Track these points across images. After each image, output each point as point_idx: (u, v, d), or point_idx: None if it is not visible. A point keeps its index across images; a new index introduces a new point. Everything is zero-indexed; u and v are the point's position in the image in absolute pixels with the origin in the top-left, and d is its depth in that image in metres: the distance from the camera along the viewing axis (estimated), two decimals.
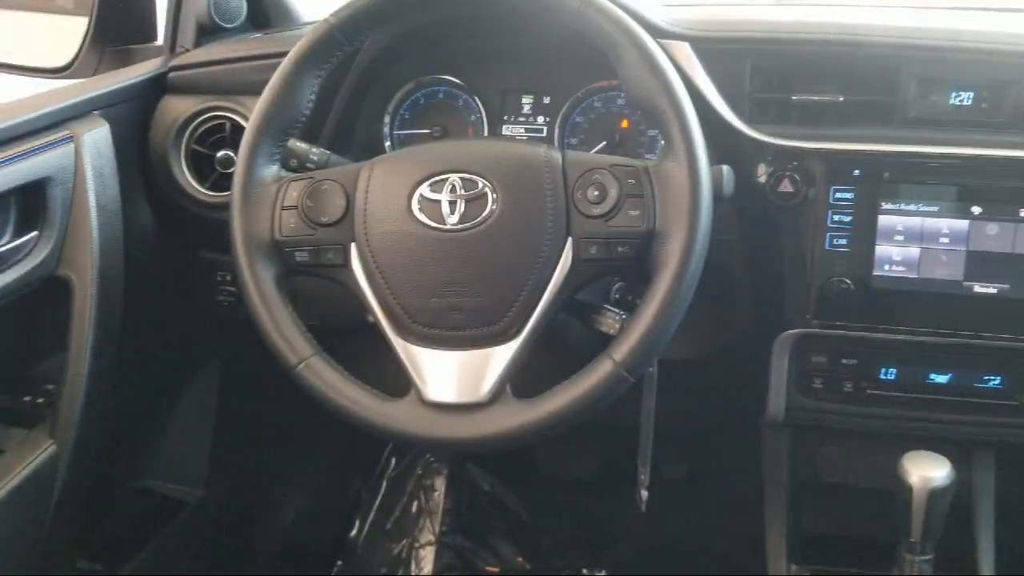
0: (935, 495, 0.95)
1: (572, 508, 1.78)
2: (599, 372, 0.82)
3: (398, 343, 0.87)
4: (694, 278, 0.82)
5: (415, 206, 0.87)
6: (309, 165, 0.99)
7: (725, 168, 0.88)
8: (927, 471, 0.96)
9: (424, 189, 0.87)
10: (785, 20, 1.12)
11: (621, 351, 0.82)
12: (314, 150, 1.00)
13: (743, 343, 1.13)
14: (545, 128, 1.17)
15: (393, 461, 1.80)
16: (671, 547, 1.68)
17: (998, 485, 1.16)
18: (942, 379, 1.05)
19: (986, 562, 1.13)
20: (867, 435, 1.17)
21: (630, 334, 0.82)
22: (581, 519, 1.77)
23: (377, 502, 1.76)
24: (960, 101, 1.01)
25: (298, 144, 0.99)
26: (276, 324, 0.88)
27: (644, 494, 1.10)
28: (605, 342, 0.85)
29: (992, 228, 0.98)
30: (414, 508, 1.74)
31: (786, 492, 1.22)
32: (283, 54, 0.93)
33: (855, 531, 1.24)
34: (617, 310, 0.91)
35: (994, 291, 0.99)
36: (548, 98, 1.17)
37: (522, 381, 0.86)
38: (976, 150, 0.97)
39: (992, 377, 1.04)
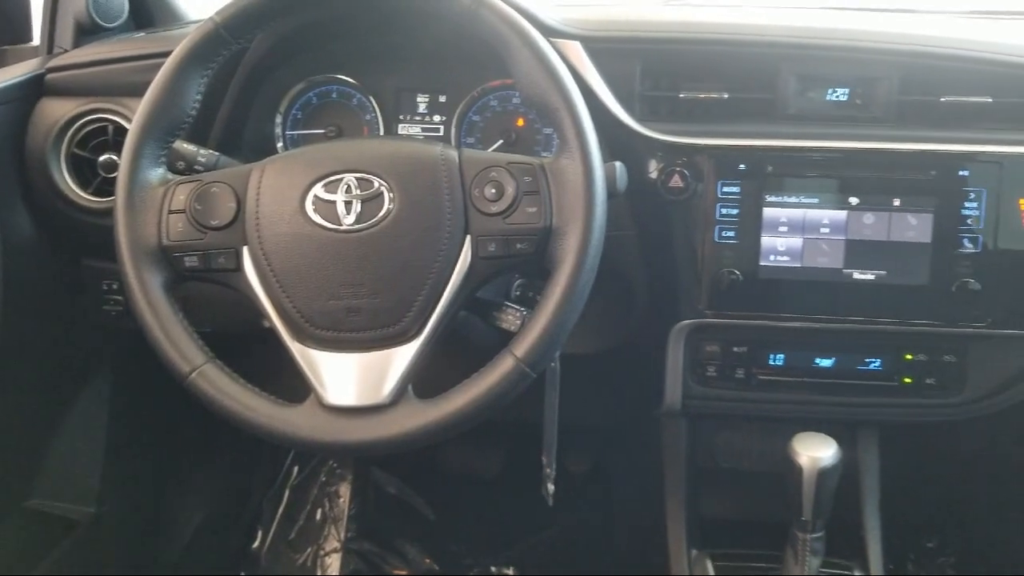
0: (823, 474, 1.00)
1: (479, 506, 1.79)
2: (501, 369, 0.83)
3: (295, 347, 0.86)
4: (591, 273, 0.84)
5: (309, 207, 0.85)
6: (197, 167, 0.96)
7: (618, 164, 0.90)
8: (815, 452, 1.00)
9: (318, 189, 0.86)
10: (673, 20, 1.15)
11: (522, 347, 0.83)
12: (202, 151, 0.98)
13: (640, 335, 1.16)
14: (442, 127, 1.17)
15: (296, 469, 1.78)
16: (577, 540, 1.70)
17: (882, 462, 1.23)
18: (827, 363, 1.10)
19: (872, 536, 1.19)
20: (759, 420, 1.22)
21: (531, 330, 0.83)
22: (488, 517, 1.77)
23: (280, 511, 1.73)
24: (836, 97, 1.06)
25: (185, 146, 0.96)
26: (166, 332, 0.85)
27: (551, 488, 1.11)
28: (507, 339, 0.86)
29: (868, 218, 1.03)
30: (318, 516, 1.72)
31: (685, 479, 1.26)
32: (167, 53, 0.90)
33: (751, 513, 1.29)
34: (518, 306, 0.92)
35: (872, 277, 1.04)
36: (444, 97, 1.17)
37: (424, 381, 0.86)
38: (851, 143, 1.02)
39: (873, 360, 1.09)
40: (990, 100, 1.02)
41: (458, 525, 1.75)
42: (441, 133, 1.17)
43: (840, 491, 1.05)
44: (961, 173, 1.01)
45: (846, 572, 1.17)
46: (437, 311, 0.85)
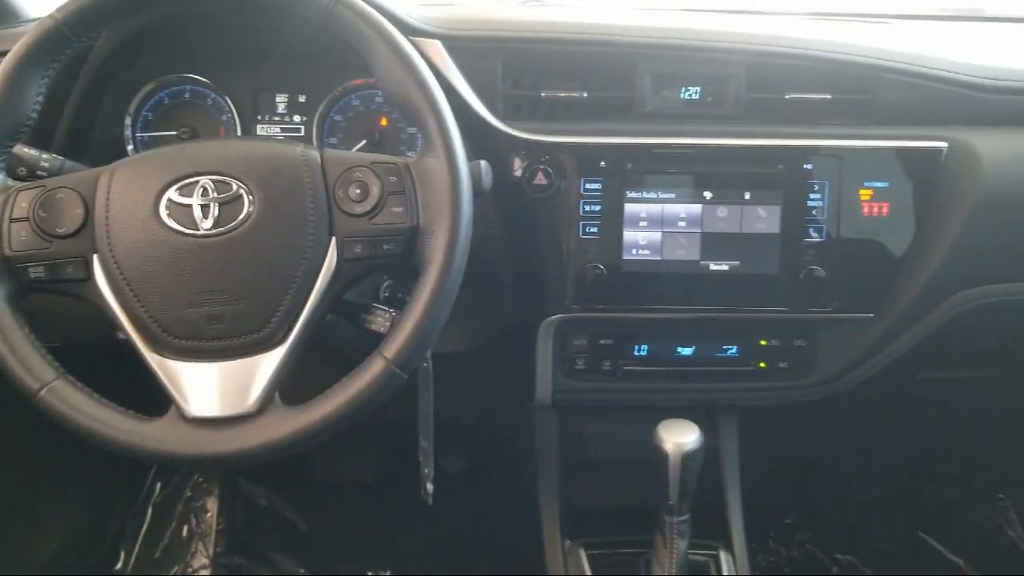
0: (687, 459, 1.04)
1: (355, 512, 1.76)
2: (371, 371, 0.82)
3: (153, 359, 0.82)
4: (459, 271, 0.84)
5: (163, 212, 0.82)
6: (40, 173, 0.91)
7: (483, 163, 0.90)
8: (679, 437, 1.04)
9: (172, 193, 0.82)
10: (532, 20, 1.17)
11: (392, 348, 0.82)
12: (45, 156, 0.92)
13: (510, 332, 1.17)
14: (303, 127, 1.15)
15: (158, 485, 1.70)
16: (456, 538, 1.71)
17: (741, 444, 1.29)
18: (688, 351, 1.15)
19: (735, 515, 1.25)
20: (627, 409, 1.25)
21: (400, 331, 0.83)
22: (365, 522, 1.75)
23: (143, 530, 1.66)
24: (689, 95, 1.10)
25: (26, 150, 0.91)
26: (11, 348, 0.80)
27: (429, 488, 1.11)
28: (376, 341, 0.85)
29: (722, 211, 1.07)
30: (185, 532, 1.66)
31: (556, 472, 1.28)
32: (3, 53, 0.85)
33: (622, 501, 1.32)
34: (386, 308, 0.91)
35: (726, 268, 1.09)
36: (304, 97, 1.15)
37: (293, 387, 0.84)
38: (704, 140, 1.07)
39: (730, 347, 1.15)
40: (829, 97, 1.08)
41: (333, 532, 1.72)
42: (302, 134, 1.15)
43: (704, 474, 1.09)
44: (805, 166, 1.07)
45: (711, 552, 1.22)
46: (303, 315, 0.83)
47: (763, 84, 1.08)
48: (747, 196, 1.07)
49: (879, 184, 1.07)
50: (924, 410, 1.61)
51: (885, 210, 1.07)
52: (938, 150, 1.07)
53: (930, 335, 1.13)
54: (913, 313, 1.11)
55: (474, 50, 1.07)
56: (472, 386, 1.36)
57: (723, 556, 1.22)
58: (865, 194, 1.07)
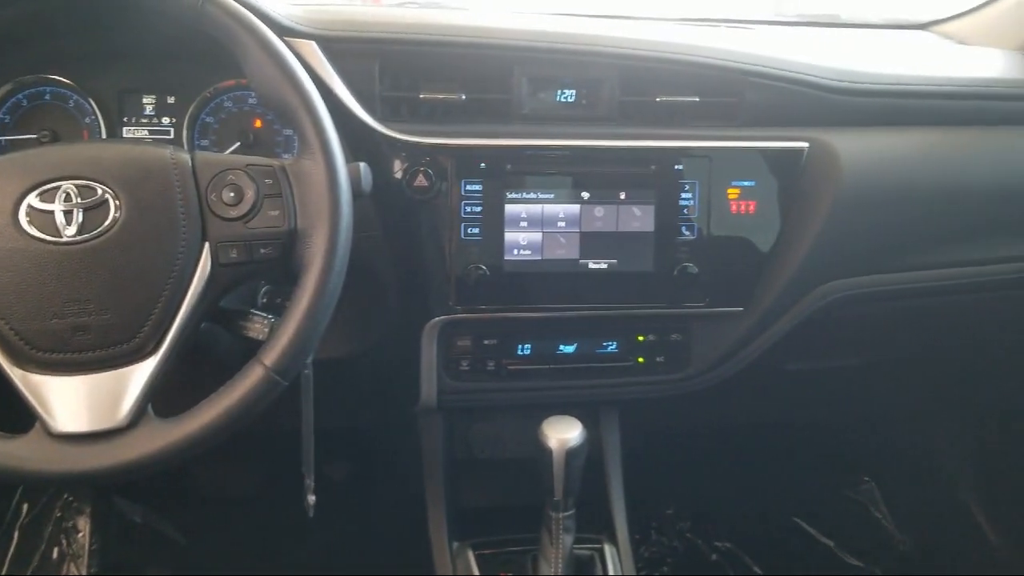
0: (571, 454, 1.05)
1: (236, 526, 1.71)
2: (250, 379, 0.80)
3: (15, 373, 0.78)
4: (340, 275, 0.83)
5: (23, 219, 0.78)
6: None
7: (362, 165, 0.89)
8: (563, 434, 1.06)
9: (32, 199, 0.78)
10: (410, 21, 1.16)
11: (271, 355, 0.80)
12: None
13: (394, 335, 1.17)
14: (172, 130, 1.11)
15: (25, 507, 1.61)
16: (342, 548, 1.68)
17: (623, 438, 1.32)
18: (569, 349, 1.17)
19: (618, 508, 1.27)
20: (512, 408, 1.26)
21: (280, 337, 0.81)
22: (246, 536, 1.70)
23: (10, 554, 1.56)
24: (565, 98, 1.12)
25: None
26: None
27: (311, 499, 1.09)
28: (255, 349, 0.83)
29: (599, 211, 1.10)
30: (55, 555, 1.57)
31: (443, 473, 1.28)
32: None
33: (509, 499, 1.34)
34: (265, 314, 0.89)
35: (605, 266, 1.11)
36: (173, 98, 1.11)
37: (168, 399, 0.81)
38: (580, 141, 1.09)
39: (610, 343, 1.17)
40: (698, 99, 1.12)
41: (214, 548, 1.67)
42: (171, 136, 1.11)
43: (588, 469, 1.12)
44: (676, 167, 1.10)
45: (596, 546, 1.24)
46: (176, 324, 0.80)
47: (635, 87, 1.11)
48: (623, 196, 1.10)
49: (746, 183, 1.12)
50: (793, 399, 1.68)
51: (752, 208, 1.12)
52: (800, 150, 1.12)
53: (796, 327, 1.18)
54: (780, 306, 1.17)
55: (350, 51, 1.05)
56: (356, 392, 1.34)
57: (608, 549, 1.24)
58: (733, 193, 1.12)
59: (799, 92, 1.13)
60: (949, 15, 1.68)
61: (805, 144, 1.12)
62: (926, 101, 1.18)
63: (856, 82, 1.15)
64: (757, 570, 1.83)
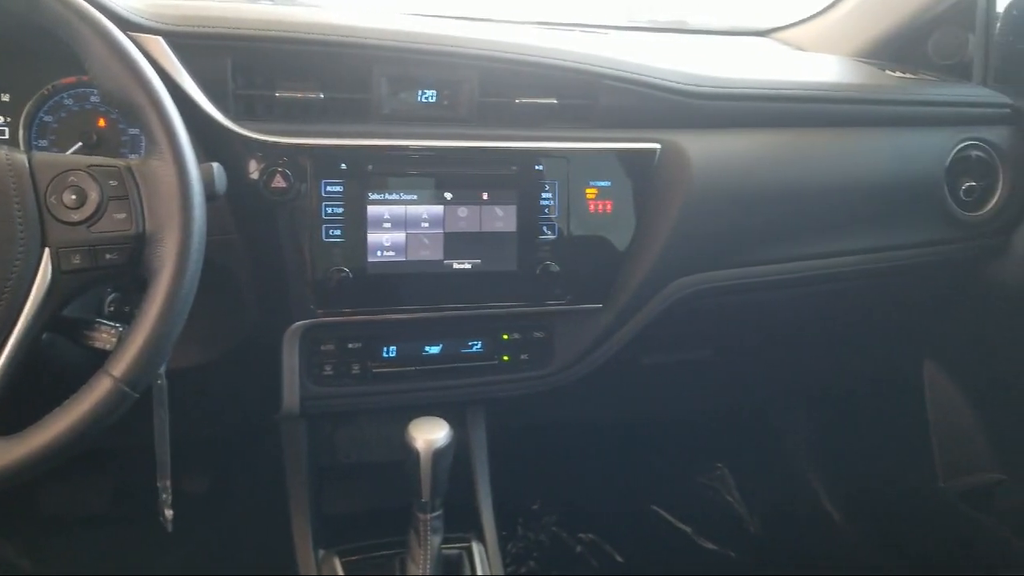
0: (438, 455, 1.06)
1: (88, 546, 1.62)
2: (97, 392, 0.76)
3: None
4: (193, 280, 0.80)
5: None
6: None
7: (215, 165, 0.86)
8: (429, 435, 1.06)
9: None
10: (264, 18, 1.13)
11: (120, 366, 0.76)
12: None
13: (253, 341, 1.13)
14: (7, 129, 1.04)
15: None
16: (203, 563, 1.62)
17: (489, 437, 1.33)
18: (435, 350, 1.17)
19: (485, 506, 1.28)
20: (379, 412, 1.25)
21: (128, 346, 0.77)
22: (99, 556, 1.61)
23: None
24: (426, 99, 1.11)
25: None
26: None
27: (168, 513, 1.04)
28: (102, 359, 0.79)
29: (462, 211, 1.10)
30: None
31: (307, 481, 1.25)
32: None
33: (376, 504, 1.32)
34: (112, 323, 0.85)
35: (469, 266, 1.12)
36: (7, 96, 1.03)
37: (9, 414, 0.76)
38: (442, 142, 1.09)
39: (475, 342, 1.18)
40: (556, 102, 1.14)
41: (63, 571, 1.57)
42: (7, 136, 1.04)
43: (455, 469, 1.12)
44: (537, 167, 1.12)
45: (464, 545, 1.25)
46: (14, 335, 0.75)
47: (495, 89, 1.12)
48: (485, 196, 1.11)
49: (603, 183, 1.15)
50: (650, 392, 1.74)
51: (609, 207, 1.16)
52: (652, 151, 1.16)
53: (651, 321, 1.23)
54: (636, 302, 1.21)
55: (201, 47, 1.01)
56: (214, 400, 1.29)
57: (476, 548, 1.25)
58: (591, 193, 1.15)
59: (651, 95, 1.17)
60: (788, 23, 1.78)
61: (657, 145, 1.16)
62: (769, 104, 1.25)
63: (704, 86, 1.20)
64: (619, 558, 1.88)
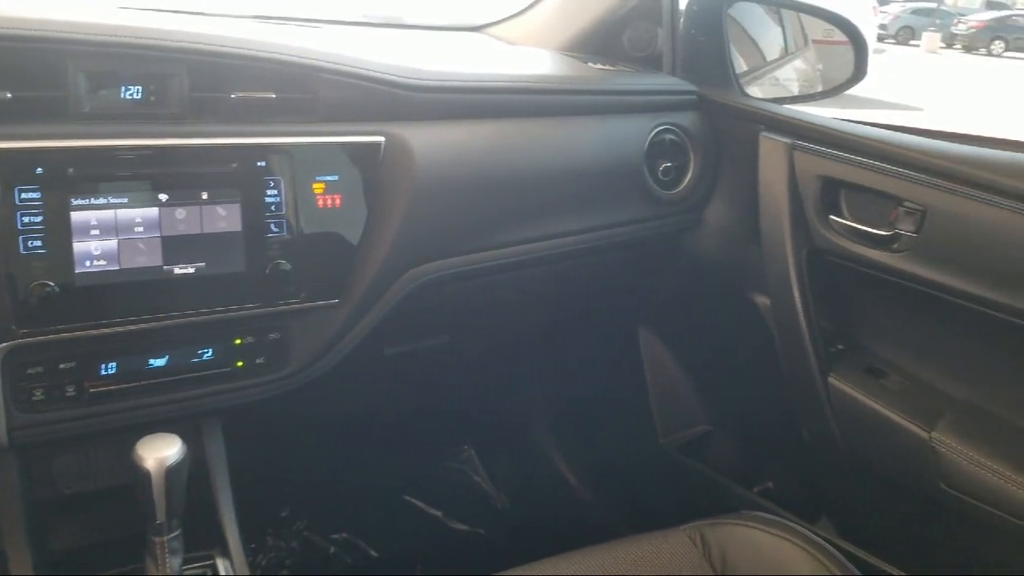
0: (171, 473, 0.99)
1: None
2: None
3: None
4: None
5: None
6: None
7: None
8: (160, 452, 1.00)
9: None
10: None
11: None
12: None
13: None
14: None
15: None
16: None
17: (230, 448, 1.27)
18: (160, 362, 1.09)
19: (229, 520, 1.22)
20: (102, 434, 1.15)
21: None
22: None
23: None
24: (131, 95, 1.04)
25: None
26: None
27: None
28: None
29: (180, 213, 1.05)
30: None
31: (23, 518, 1.13)
32: None
33: (108, 532, 1.22)
34: None
35: (192, 271, 1.06)
36: None
37: None
38: (152, 140, 1.02)
39: (205, 350, 1.12)
40: (274, 96, 1.11)
41: None
42: None
43: (195, 485, 1.06)
44: (259, 164, 1.09)
45: (208, 562, 1.19)
46: None
47: (208, 83, 1.07)
48: (205, 196, 1.06)
49: (330, 178, 1.14)
50: (396, 382, 1.76)
51: (338, 202, 1.15)
52: (376, 144, 1.17)
53: (390, 312, 1.24)
54: (373, 294, 1.21)
55: None
56: None
57: (220, 564, 1.19)
58: (318, 187, 1.13)
59: (371, 88, 1.17)
60: (499, 19, 1.86)
61: (381, 138, 1.17)
62: (484, 96, 1.30)
63: (422, 79, 1.22)
64: (373, 553, 1.89)
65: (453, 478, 2.15)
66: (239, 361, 1.15)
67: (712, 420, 1.88)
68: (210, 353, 1.13)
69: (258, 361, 1.16)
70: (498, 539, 2.00)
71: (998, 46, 25.88)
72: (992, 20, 27.18)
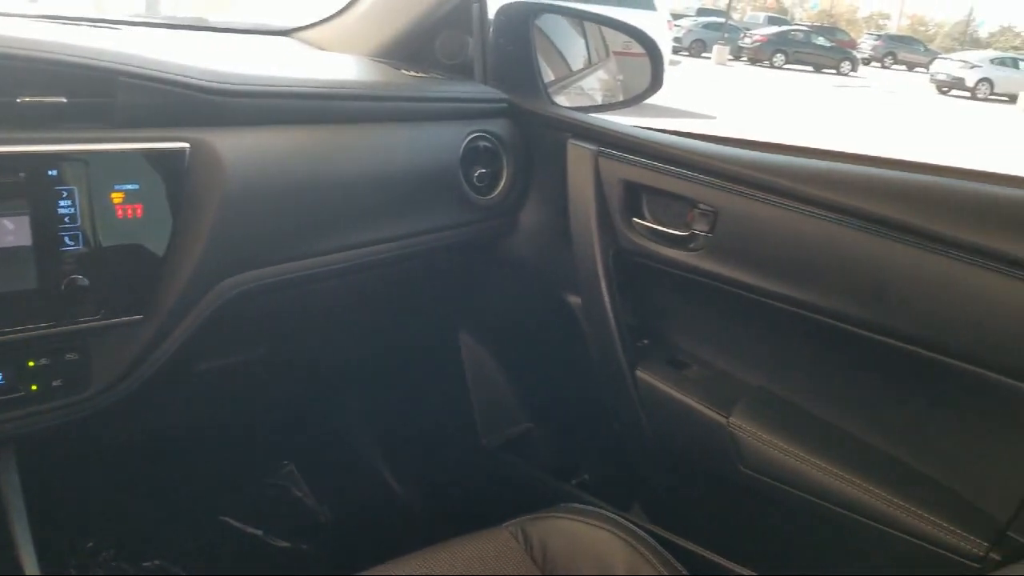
0: None
1: None
2: None
3: None
4: None
5: None
6: None
7: None
8: None
9: None
10: None
11: None
12: None
13: None
14: None
15: None
16: None
17: (24, 479, 1.18)
18: None
19: (27, 554, 1.14)
20: None
21: None
22: None
23: None
24: None
25: None
26: None
27: None
28: None
29: None
30: None
31: None
32: None
33: None
34: None
35: None
36: None
37: None
38: None
39: None
40: (65, 100, 1.04)
41: None
42: None
43: None
44: (50, 173, 1.01)
45: None
46: None
47: None
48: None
49: (130, 186, 1.08)
50: (209, 400, 1.69)
51: (139, 211, 1.09)
52: (181, 151, 1.12)
53: (200, 326, 1.19)
54: (182, 307, 1.16)
55: None
56: None
57: None
58: (117, 197, 1.07)
59: (174, 93, 1.12)
60: (308, 23, 1.83)
61: (186, 145, 1.12)
62: (294, 101, 1.27)
63: (229, 84, 1.18)
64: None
65: (272, 494, 2.08)
66: (33, 385, 1.07)
67: (532, 417, 1.93)
68: (0, 378, 1.04)
69: (55, 384, 1.08)
70: (323, 554, 1.96)
71: (779, 59, 28.28)
72: (773, 34, 29.64)
